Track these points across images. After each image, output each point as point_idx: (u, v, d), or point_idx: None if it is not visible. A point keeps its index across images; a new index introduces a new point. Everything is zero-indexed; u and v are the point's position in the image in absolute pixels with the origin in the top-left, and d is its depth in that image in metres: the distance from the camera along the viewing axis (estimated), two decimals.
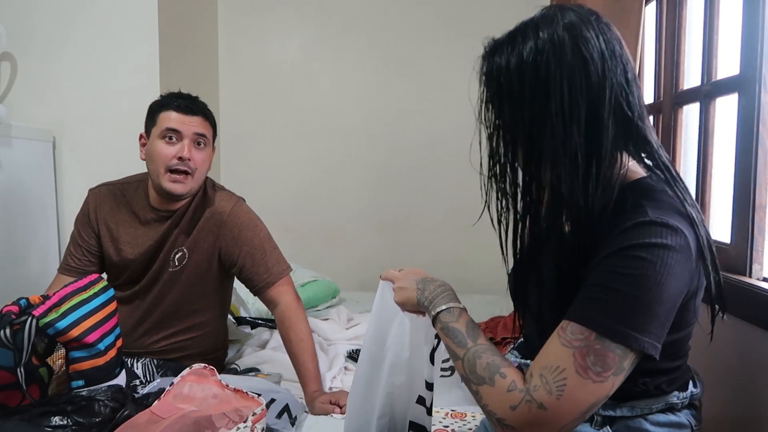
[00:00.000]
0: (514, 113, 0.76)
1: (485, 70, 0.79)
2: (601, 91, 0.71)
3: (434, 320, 0.85)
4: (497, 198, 0.82)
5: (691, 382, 0.84)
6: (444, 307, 0.84)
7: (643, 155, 0.80)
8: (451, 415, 1.28)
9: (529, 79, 0.73)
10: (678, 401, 0.81)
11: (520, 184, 0.81)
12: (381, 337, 1.01)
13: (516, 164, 0.80)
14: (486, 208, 0.82)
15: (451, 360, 0.81)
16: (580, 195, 0.73)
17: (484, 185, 0.82)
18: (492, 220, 0.83)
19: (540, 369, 0.70)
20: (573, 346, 0.68)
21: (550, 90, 0.72)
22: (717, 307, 0.80)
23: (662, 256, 0.68)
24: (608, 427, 0.80)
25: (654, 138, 0.80)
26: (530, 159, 0.77)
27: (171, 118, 1.41)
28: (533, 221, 0.82)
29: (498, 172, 0.81)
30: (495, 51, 0.78)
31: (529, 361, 0.84)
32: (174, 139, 1.41)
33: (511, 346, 0.98)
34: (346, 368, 1.60)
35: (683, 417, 0.81)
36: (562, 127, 0.72)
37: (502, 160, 0.80)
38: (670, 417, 0.80)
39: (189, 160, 1.40)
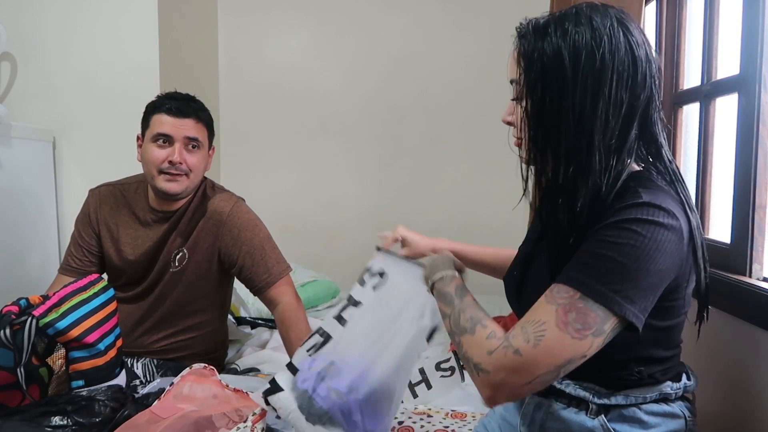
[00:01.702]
0: (560, 97, 0.75)
1: (526, 51, 0.77)
2: (640, 92, 0.76)
3: (432, 290, 0.91)
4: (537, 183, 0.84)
5: (684, 375, 0.85)
6: (439, 276, 0.89)
7: (649, 155, 0.83)
8: (451, 415, 1.28)
9: (583, 67, 0.73)
10: (672, 392, 0.82)
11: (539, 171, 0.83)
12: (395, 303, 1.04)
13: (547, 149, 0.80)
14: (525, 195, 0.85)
15: (444, 326, 0.86)
16: (599, 185, 0.75)
17: (522, 171, 0.84)
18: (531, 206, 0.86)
19: (522, 323, 0.72)
20: (557, 303, 0.71)
21: (602, 80, 0.73)
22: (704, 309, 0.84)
23: (653, 232, 0.70)
24: (603, 416, 0.81)
25: (663, 139, 0.83)
26: (561, 146, 0.77)
27: (162, 122, 1.41)
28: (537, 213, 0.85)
29: (536, 155, 0.81)
30: (540, 33, 0.77)
31: None
32: (165, 142, 1.41)
33: None
34: None
35: (677, 408, 0.82)
36: (605, 118, 0.74)
37: (540, 144, 0.79)
38: (664, 407, 0.82)
39: (180, 163, 1.40)
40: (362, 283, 1.10)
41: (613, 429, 0.80)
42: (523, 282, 0.91)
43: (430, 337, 1.04)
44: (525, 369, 0.69)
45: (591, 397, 0.81)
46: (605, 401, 0.81)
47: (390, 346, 1.02)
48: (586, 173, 0.75)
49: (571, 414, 0.83)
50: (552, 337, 0.69)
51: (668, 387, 0.82)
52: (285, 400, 1.01)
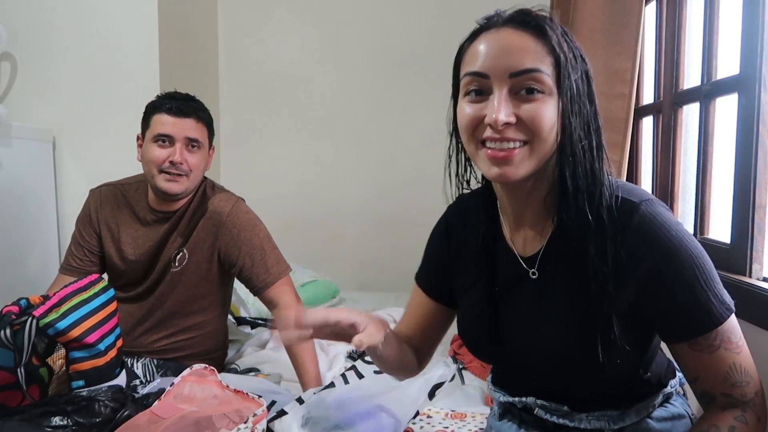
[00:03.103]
0: (589, 87, 0.74)
1: (558, 41, 0.71)
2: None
3: None
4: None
5: (675, 368, 0.86)
6: None
7: None
8: (451, 415, 1.28)
9: (579, 63, 0.73)
10: (672, 389, 0.82)
11: None
12: None
13: None
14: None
15: None
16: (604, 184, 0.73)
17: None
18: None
19: (728, 383, 0.71)
20: (717, 347, 0.70)
21: (591, 78, 0.74)
22: None
23: (677, 222, 0.72)
24: None
25: None
26: (586, 143, 0.73)
27: (163, 122, 1.41)
28: None
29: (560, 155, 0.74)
30: (550, 24, 0.72)
31: (513, 399, 0.86)
32: (166, 142, 1.41)
33: (489, 377, 0.96)
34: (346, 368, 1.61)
35: (680, 407, 0.83)
36: (594, 114, 0.73)
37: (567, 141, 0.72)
38: (670, 409, 0.82)
39: (181, 163, 1.40)
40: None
41: None
42: (509, 329, 0.82)
43: (432, 395, 1.17)
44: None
45: (607, 425, 0.79)
46: (621, 424, 0.79)
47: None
48: (600, 173, 0.73)
49: None
50: (754, 375, 0.72)
51: (669, 386, 0.82)
52: (286, 423, 1.09)
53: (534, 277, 0.80)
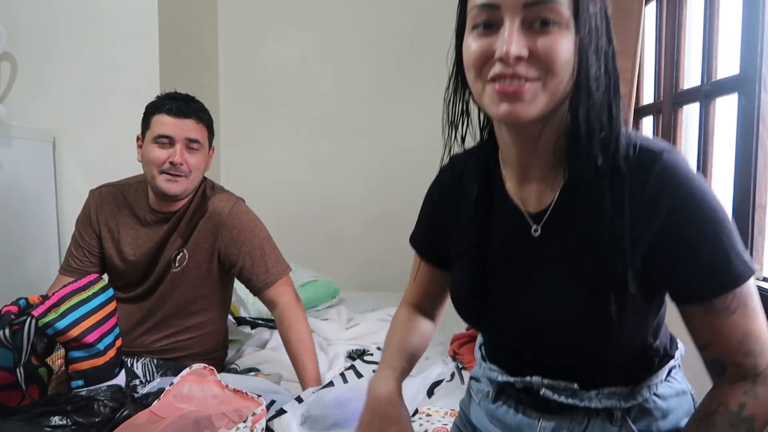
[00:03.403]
0: (607, 22, 0.68)
1: None
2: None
3: None
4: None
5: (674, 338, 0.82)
6: None
7: None
8: (450, 414, 1.28)
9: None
10: (675, 362, 0.79)
11: None
12: None
13: None
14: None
15: None
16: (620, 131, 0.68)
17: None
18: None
19: (742, 351, 0.66)
20: (732, 311, 0.65)
21: (609, 17, 0.68)
22: None
23: (694, 172, 0.67)
24: (626, 418, 0.75)
25: None
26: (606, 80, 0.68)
27: (163, 123, 1.41)
28: None
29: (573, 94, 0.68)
30: None
31: (513, 379, 0.79)
32: (166, 143, 1.41)
33: (478, 354, 0.91)
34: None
35: (681, 382, 0.79)
36: (613, 54, 0.68)
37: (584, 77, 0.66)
38: (673, 385, 0.78)
39: (181, 164, 1.40)
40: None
41: None
42: (497, 295, 0.78)
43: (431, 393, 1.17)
44: None
45: (618, 403, 0.74)
46: (632, 402, 0.74)
47: None
48: (618, 118, 0.67)
49: (595, 429, 0.75)
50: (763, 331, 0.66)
51: (674, 358, 0.78)
52: (285, 422, 1.08)
53: (536, 234, 0.74)
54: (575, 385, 0.74)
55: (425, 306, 0.97)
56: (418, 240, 0.96)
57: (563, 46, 0.63)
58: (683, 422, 0.76)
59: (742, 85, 1.12)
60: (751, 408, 0.65)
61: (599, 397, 0.74)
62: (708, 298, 0.65)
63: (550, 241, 0.73)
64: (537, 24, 0.63)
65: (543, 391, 0.76)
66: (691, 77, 1.46)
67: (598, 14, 0.65)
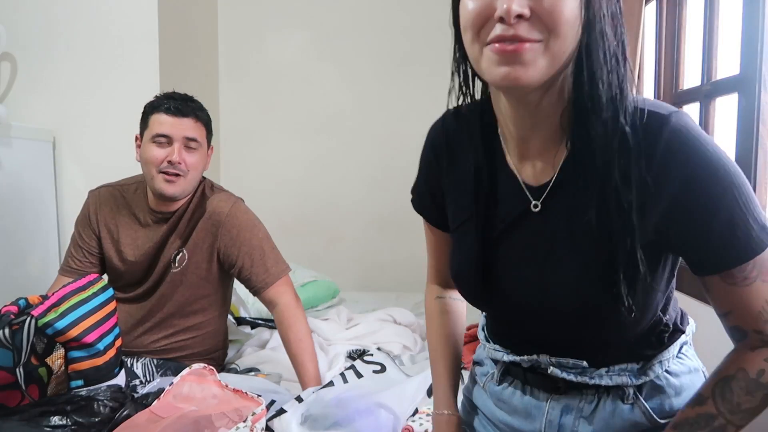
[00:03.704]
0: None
1: None
2: None
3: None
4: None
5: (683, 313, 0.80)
6: None
7: None
8: None
9: None
10: (687, 338, 0.77)
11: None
12: None
13: None
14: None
15: None
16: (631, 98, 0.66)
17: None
18: None
19: (763, 320, 0.64)
20: (753, 279, 0.63)
21: None
22: None
23: (711, 139, 0.64)
24: (638, 395, 0.73)
25: None
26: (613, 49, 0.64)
27: (161, 122, 1.40)
28: None
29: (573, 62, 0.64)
30: None
31: (519, 358, 0.77)
32: (164, 142, 1.41)
33: (482, 335, 0.89)
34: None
35: (693, 360, 0.78)
36: (620, 13, 0.64)
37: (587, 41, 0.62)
38: (685, 362, 0.76)
39: (179, 163, 1.40)
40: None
41: (651, 409, 0.73)
42: (497, 273, 0.75)
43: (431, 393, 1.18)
44: None
45: (629, 380, 0.72)
46: (644, 379, 0.72)
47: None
48: (626, 84, 0.64)
49: (606, 408, 0.74)
50: None
51: (686, 333, 0.77)
52: (285, 421, 1.08)
53: (536, 210, 0.71)
54: (584, 363, 0.72)
55: (448, 278, 0.89)
56: (417, 199, 0.92)
57: (569, 3, 0.58)
58: None
59: (742, 85, 1.12)
60: None
61: (609, 375, 0.72)
62: (727, 268, 0.63)
63: (552, 216, 0.70)
64: None
65: (551, 369, 0.73)
66: (691, 77, 1.46)
67: None
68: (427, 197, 0.88)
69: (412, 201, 0.94)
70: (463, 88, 0.73)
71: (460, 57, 0.71)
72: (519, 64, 0.59)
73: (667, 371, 0.74)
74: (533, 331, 0.75)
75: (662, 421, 0.73)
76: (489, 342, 0.84)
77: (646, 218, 0.64)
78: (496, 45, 0.59)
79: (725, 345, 0.70)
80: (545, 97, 0.65)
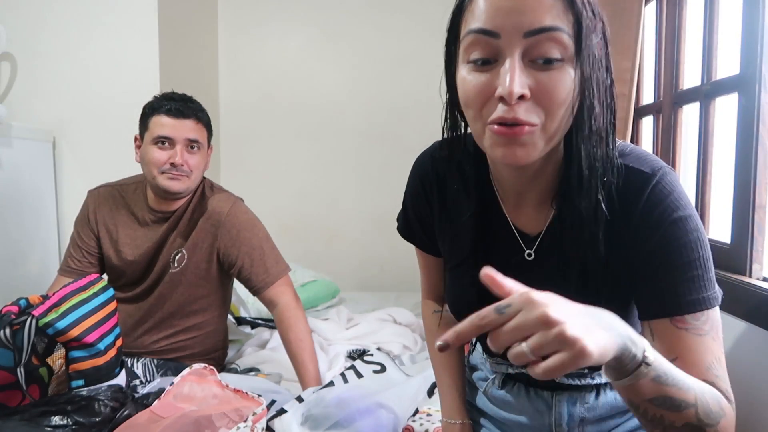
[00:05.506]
0: (607, 56, 0.66)
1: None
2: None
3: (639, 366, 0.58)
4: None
5: None
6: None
7: None
8: None
9: (598, 22, 0.64)
10: None
11: None
12: None
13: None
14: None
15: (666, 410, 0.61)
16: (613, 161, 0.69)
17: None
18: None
19: (713, 374, 0.65)
20: (706, 333, 0.65)
21: (608, 40, 0.66)
22: None
23: (689, 204, 0.67)
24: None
25: None
26: (604, 118, 0.67)
27: (162, 124, 1.40)
28: None
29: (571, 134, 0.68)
30: None
31: (522, 370, 0.82)
32: (166, 144, 1.41)
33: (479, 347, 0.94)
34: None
35: None
36: (610, 85, 0.67)
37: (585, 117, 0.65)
38: None
39: (182, 165, 1.40)
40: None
41: None
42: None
43: (431, 392, 1.20)
44: None
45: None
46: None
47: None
48: (613, 153, 0.67)
49: (608, 395, 0.82)
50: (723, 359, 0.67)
51: None
52: (286, 421, 1.09)
53: (530, 258, 0.75)
54: (585, 369, 0.78)
55: (442, 292, 0.96)
56: (404, 226, 0.96)
57: (566, 83, 0.60)
58: None
59: (742, 85, 1.12)
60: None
61: (600, 374, 0.80)
62: (682, 313, 0.65)
63: (545, 262, 0.74)
64: (540, 61, 0.60)
65: (558, 378, 0.79)
66: (691, 77, 1.46)
67: (600, 42, 0.64)
68: (416, 225, 0.91)
69: (398, 229, 0.97)
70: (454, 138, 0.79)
71: (456, 122, 0.78)
72: (519, 145, 0.62)
73: None
74: None
75: None
76: (491, 357, 0.89)
77: (624, 272, 0.69)
78: (497, 127, 0.61)
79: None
80: (540, 163, 0.70)
